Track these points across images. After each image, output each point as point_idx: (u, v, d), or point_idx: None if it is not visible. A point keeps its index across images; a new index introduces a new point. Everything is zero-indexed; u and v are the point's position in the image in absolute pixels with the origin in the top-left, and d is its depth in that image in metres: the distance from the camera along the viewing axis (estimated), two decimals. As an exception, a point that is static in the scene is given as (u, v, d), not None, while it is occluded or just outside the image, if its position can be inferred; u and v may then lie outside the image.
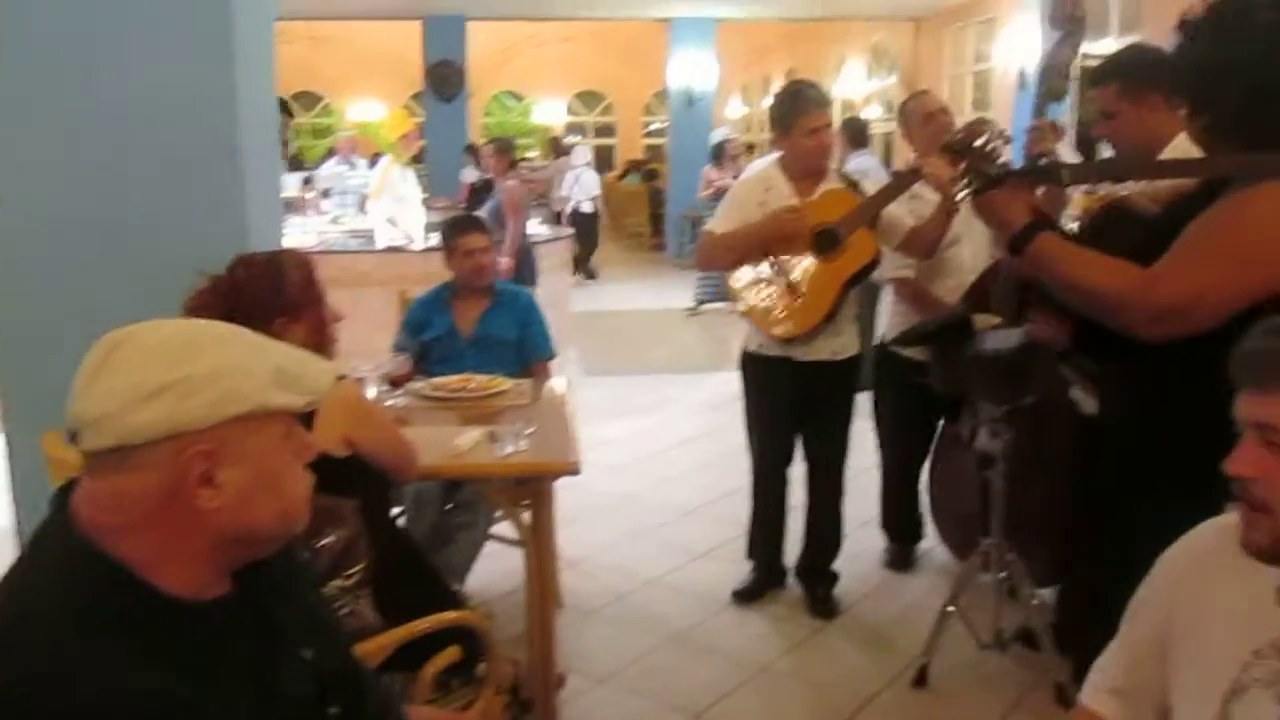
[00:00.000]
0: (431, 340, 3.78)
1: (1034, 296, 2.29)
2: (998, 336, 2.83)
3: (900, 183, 3.36)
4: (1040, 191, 3.01)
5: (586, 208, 12.63)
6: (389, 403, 3.17)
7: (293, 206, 7.72)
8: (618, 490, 4.88)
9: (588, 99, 21.37)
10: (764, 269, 3.43)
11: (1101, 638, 1.50)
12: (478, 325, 3.79)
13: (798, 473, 3.69)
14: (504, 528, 3.34)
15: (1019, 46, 10.88)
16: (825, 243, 3.31)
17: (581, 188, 12.60)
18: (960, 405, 3.35)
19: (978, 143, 2.15)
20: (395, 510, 3.16)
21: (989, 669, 3.11)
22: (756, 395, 3.62)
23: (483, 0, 12.40)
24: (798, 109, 3.39)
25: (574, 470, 2.73)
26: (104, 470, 1.08)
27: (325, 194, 9.04)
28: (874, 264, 3.41)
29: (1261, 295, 1.64)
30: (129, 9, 2.59)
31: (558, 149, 14.88)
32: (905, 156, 12.84)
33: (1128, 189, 2.52)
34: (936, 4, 12.51)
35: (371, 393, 3.02)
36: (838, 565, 3.71)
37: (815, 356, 3.43)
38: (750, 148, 15.89)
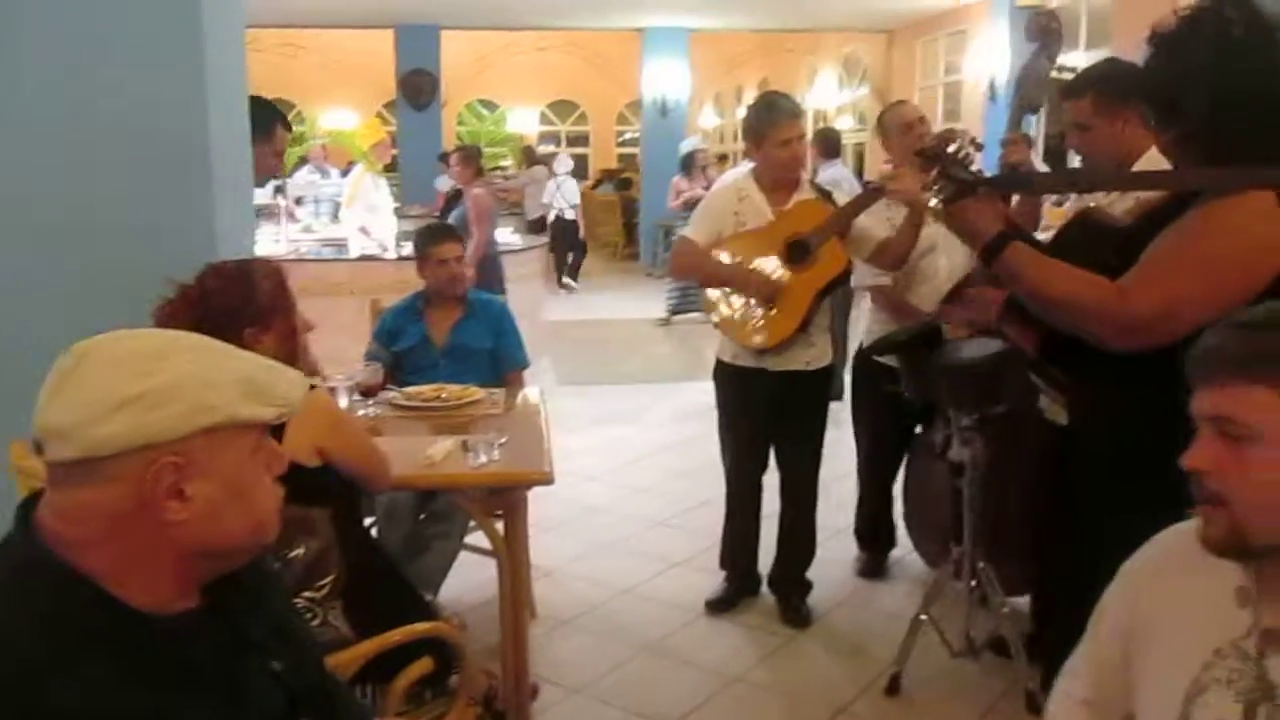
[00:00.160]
0: (405, 350, 3.76)
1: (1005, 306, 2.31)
2: (970, 345, 2.85)
3: (868, 197, 3.39)
4: (1015, 204, 3.05)
5: (569, 215, 12.72)
6: (361, 412, 3.15)
7: (265, 215, 7.67)
8: (592, 500, 4.87)
9: (561, 108, 21.38)
10: None
11: (1072, 647, 1.51)
12: (451, 335, 3.78)
13: (771, 482, 3.69)
14: (477, 538, 3.32)
15: (989, 58, 11.00)
16: (797, 254, 3.33)
17: (564, 196, 12.68)
18: (935, 413, 3.37)
19: (950, 149, 2.16)
20: (368, 521, 3.14)
21: (961, 677, 3.13)
22: (730, 405, 3.63)
23: (456, 9, 12.39)
24: (770, 120, 3.41)
25: (547, 480, 2.72)
26: (70, 482, 1.06)
27: (298, 202, 9.01)
28: (845, 274, 3.44)
29: (1231, 306, 1.65)
30: (97, 15, 2.57)
31: (531, 158, 14.90)
32: (877, 167, 12.95)
33: (1096, 200, 2.55)
34: (908, 16, 12.62)
35: (344, 402, 2.99)
36: (811, 574, 3.72)
37: (788, 366, 3.44)
38: (723, 158, 15.94)
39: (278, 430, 1.19)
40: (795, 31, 14.94)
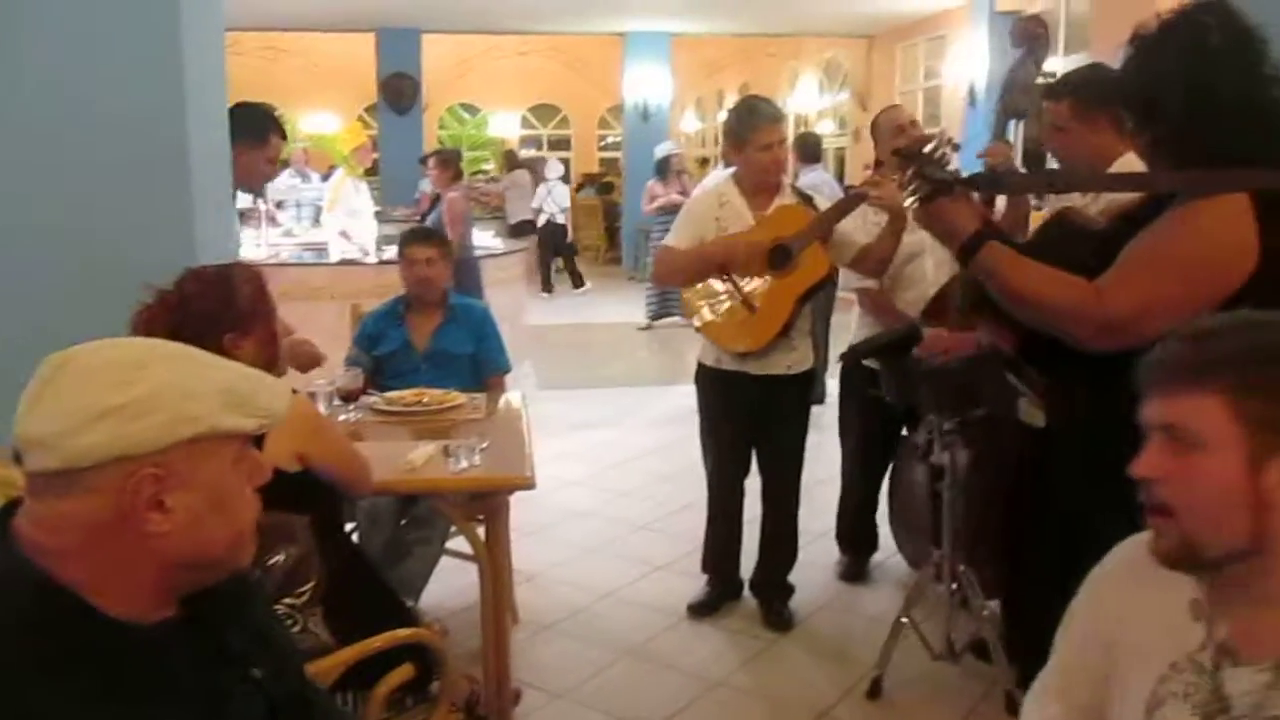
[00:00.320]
0: (386, 354, 3.75)
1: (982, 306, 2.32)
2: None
3: (850, 202, 3.41)
4: (1003, 212, 3.07)
5: (559, 219, 12.80)
6: (342, 417, 3.14)
7: (246, 219, 7.64)
8: (573, 504, 4.87)
9: (543, 112, 21.36)
10: (719, 284, 3.45)
11: (1040, 647, 1.51)
12: (432, 339, 3.77)
13: (753, 486, 3.70)
14: (459, 543, 3.32)
15: (969, 63, 11.06)
16: (779, 258, 3.34)
17: (554, 200, 12.75)
18: (918, 416, 3.38)
19: (926, 149, 2.17)
20: (349, 526, 3.13)
21: (941, 680, 3.14)
22: (712, 409, 3.64)
23: (437, 13, 12.37)
24: (751, 125, 3.42)
25: (529, 485, 2.72)
26: (50, 492, 1.05)
27: (279, 206, 8.96)
28: (827, 279, 3.45)
29: (1206, 307, 1.67)
30: (74, 18, 2.56)
31: (513, 162, 14.90)
32: (858, 171, 12.99)
33: (1073, 201, 2.57)
34: (888, 21, 12.67)
35: (324, 407, 2.99)
36: (793, 578, 3.73)
37: (770, 371, 3.45)
38: (705, 162, 15.98)
39: (259, 437, 1.18)
40: (776, 36, 14.97)
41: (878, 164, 3.66)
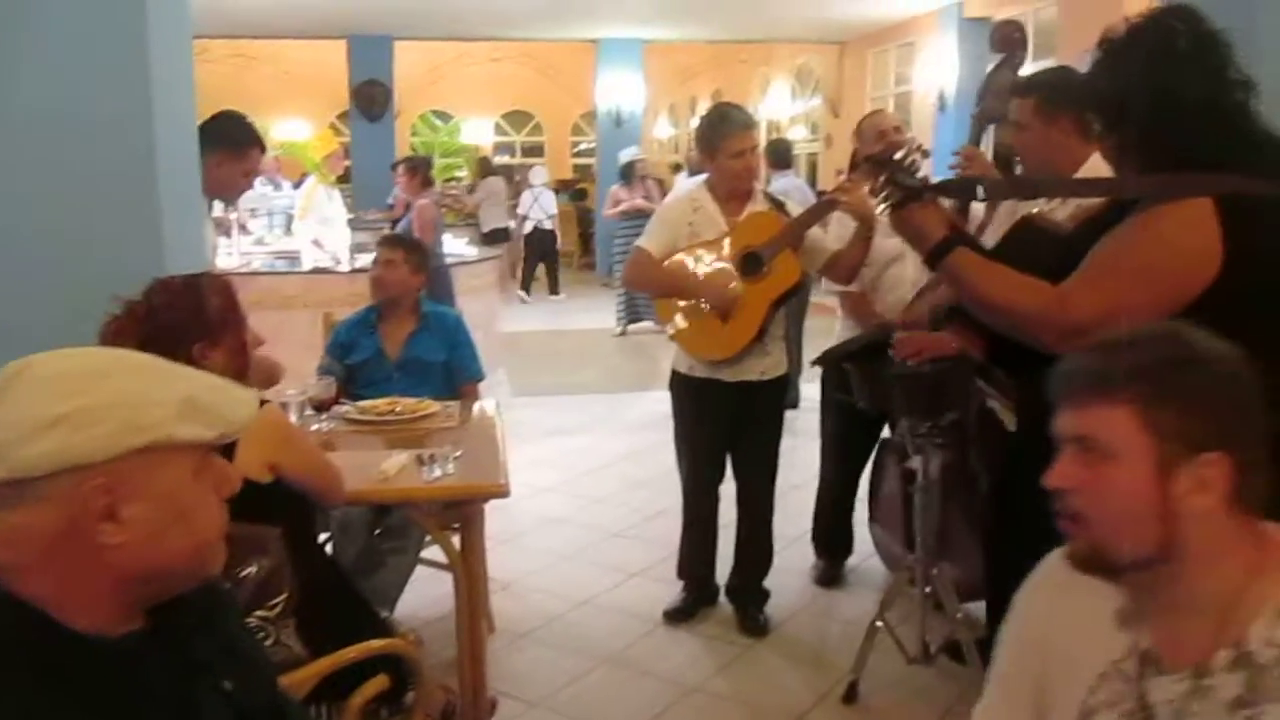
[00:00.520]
0: (358, 363, 3.73)
1: (952, 310, 2.34)
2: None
3: (821, 208, 3.43)
4: (982, 219, 3.09)
5: (547, 225, 12.85)
6: (314, 427, 3.12)
7: (217, 227, 7.58)
8: (549, 512, 4.86)
9: (516, 119, 21.35)
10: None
11: None
12: (405, 347, 3.76)
13: (728, 491, 3.71)
14: (434, 551, 3.30)
15: (939, 69, 11.15)
16: (751, 266, 3.35)
17: (541, 207, 12.79)
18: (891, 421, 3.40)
19: (896, 156, 2.19)
20: (322, 536, 3.11)
21: (917, 683, 3.15)
22: (686, 415, 3.64)
23: (409, 20, 12.34)
24: (723, 132, 3.43)
25: (503, 493, 2.72)
26: (3, 504, 1.04)
27: (251, 214, 8.91)
28: (799, 285, 3.47)
29: (1169, 311, 1.69)
30: (39, 23, 2.53)
31: (486, 169, 14.88)
32: (830, 176, 13.04)
33: (1039, 206, 2.59)
34: (859, 28, 12.75)
35: (295, 417, 2.97)
36: (768, 583, 3.74)
37: (744, 377, 3.46)
38: (677, 168, 16.00)
39: (229, 448, 1.17)
40: (748, 43, 15.04)
41: (852, 168, 3.68)
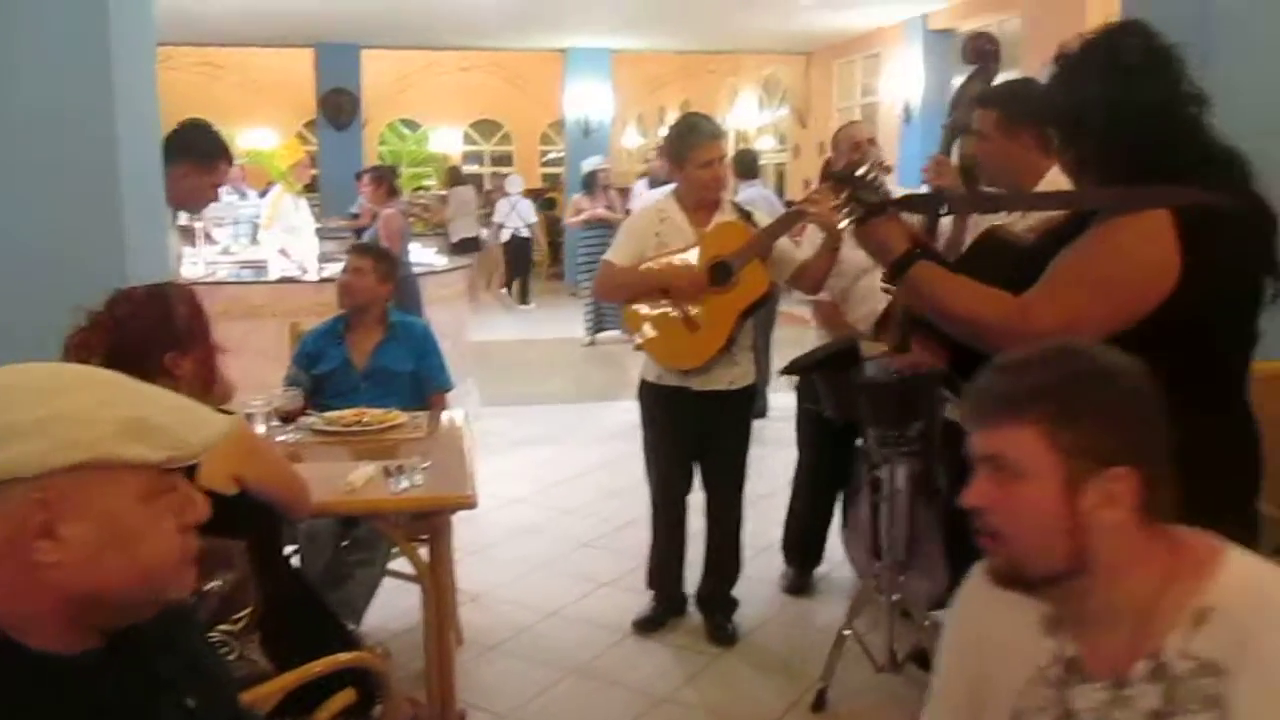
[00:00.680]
0: (325, 373, 3.71)
1: (915, 323, 2.35)
2: (880, 364, 2.90)
3: (789, 219, 3.45)
4: (950, 232, 3.11)
5: (524, 234, 12.92)
6: (280, 438, 3.10)
7: (182, 236, 7.52)
8: (518, 522, 4.85)
9: (485, 128, 21.32)
10: (661, 300, 3.46)
11: None
12: (372, 357, 3.74)
13: (697, 501, 3.71)
14: (402, 563, 3.28)
15: (904, 81, 11.26)
16: (719, 275, 3.36)
17: (519, 215, 12.85)
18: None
19: (859, 172, 2.21)
20: (289, 549, 3.09)
21: (885, 691, 3.17)
22: (654, 425, 3.64)
23: (377, 29, 12.31)
24: (691, 142, 3.45)
25: (470, 504, 2.71)
26: None
27: (217, 223, 8.83)
28: (767, 295, 3.49)
29: (1128, 321, 1.71)
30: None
31: (456, 178, 14.85)
32: (798, 186, 13.11)
33: (1000, 218, 2.62)
34: (825, 39, 12.84)
35: (261, 428, 2.95)
36: (737, 592, 3.74)
37: (712, 386, 3.47)
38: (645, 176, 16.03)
39: (191, 468, 1.15)
40: (716, 53, 15.11)
41: (824, 179, 3.72)
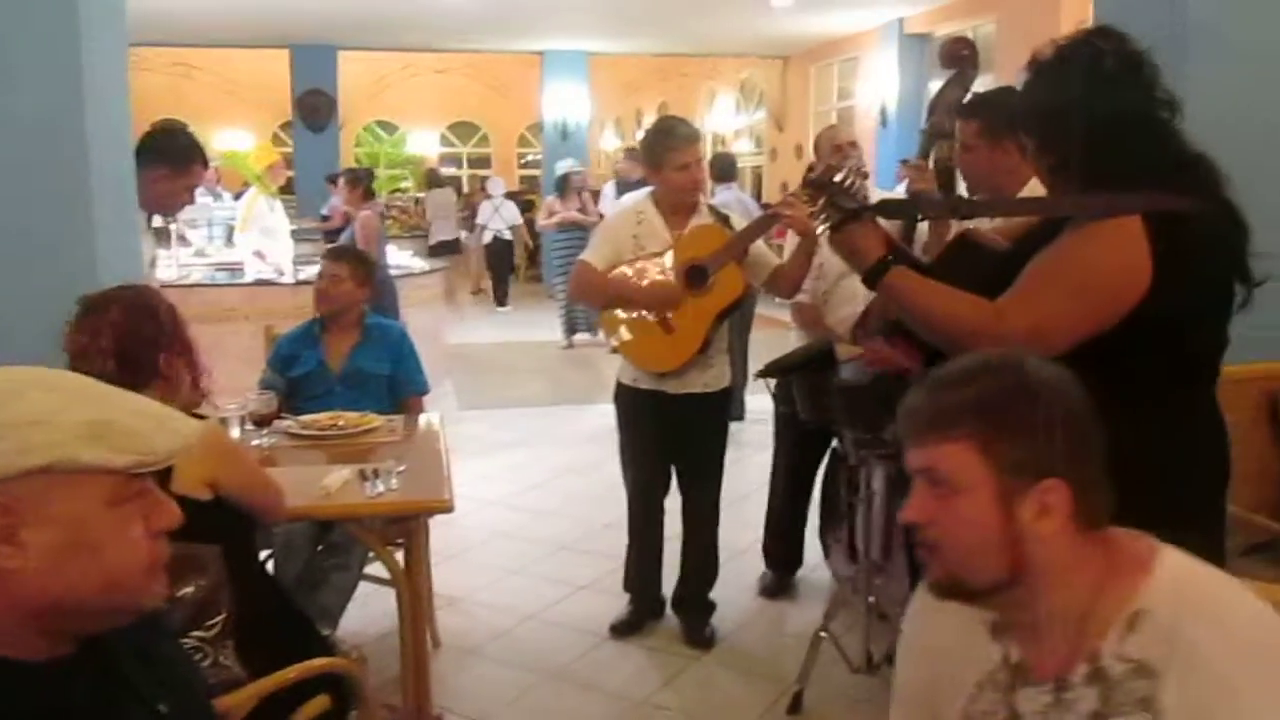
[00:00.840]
0: (300, 376, 3.69)
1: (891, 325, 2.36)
2: (856, 366, 2.91)
3: (765, 222, 3.45)
4: (928, 236, 3.12)
5: (506, 236, 12.96)
6: (255, 442, 3.08)
7: (156, 238, 7.46)
8: (495, 526, 4.83)
9: (462, 130, 21.28)
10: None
11: None
12: (348, 360, 3.72)
13: (673, 504, 3.72)
14: (378, 567, 3.27)
15: (880, 84, 11.31)
16: (695, 278, 3.37)
17: (502, 217, 12.87)
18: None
19: (837, 178, 2.22)
20: (264, 554, 3.07)
21: (861, 692, 3.18)
22: (630, 427, 3.64)
23: (353, 31, 12.25)
24: (668, 145, 3.45)
25: (447, 508, 2.70)
26: None
27: (191, 225, 8.77)
28: (743, 298, 3.49)
29: (1101, 326, 1.73)
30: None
31: (434, 180, 14.81)
32: (775, 189, 13.14)
33: (978, 223, 2.63)
34: (802, 42, 12.89)
35: (235, 432, 2.93)
36: (714, 595, 3.75)
37: (688, 389, 3.47)
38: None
39: (164, 474, 1.14)
40: (693, 56, 15.14)
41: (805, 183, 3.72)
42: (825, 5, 10.45)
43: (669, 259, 3.43)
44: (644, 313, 3.44)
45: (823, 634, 3.13)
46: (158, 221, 5.50)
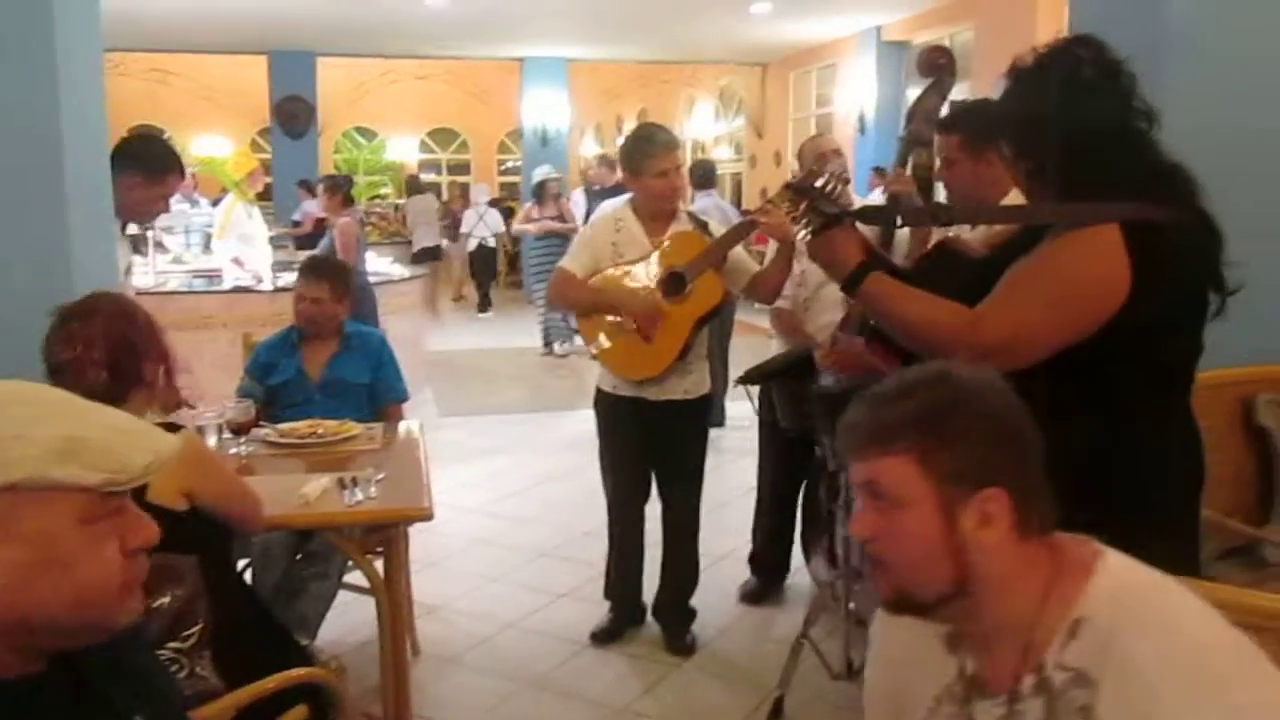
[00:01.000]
0: (279, 384, 3.66)
1: (870, 331, 2.37)
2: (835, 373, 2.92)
3: (742, 229, 3.46)
4: (908, 244, 3.14)
5: (490, 243, 12.97)
6: (232, 451, 3.06)
7: (133, 245, 7.42)
8: (475, 533, 4.82)
9: (442, 136, 21.25)
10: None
11: None
12: (327, 368, 3.70)
13: (654, 511, 3.71)
14: (357, 576, 3.25)
15: (858, 91, 11.36)
16: (674, 285, 3.37)
17: (487, 224, 12.87)
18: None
19: (819, 183, 2.22)
20: (242, 563, 3.04)
21: (841, 699, 3.18)
22: (610, 434, 3.64)
23: (331, 37, 12.23)
24: (647, 152, 3.45)
25: (426, 516, 2.69)
26: None
27: (168, 231, 8.72)
28: (722, 305, 3.50)
29: (1079, 334, 1.74)
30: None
31: (414, 187, 14.79)
32: (754, 196, 13.17)
33: (957, 230, 2.65)
34: (780, 50, 12.94)
35: (212, 441, 2.90)
36: (695, 601, 3.74)
37: (667, 396, 3.48)
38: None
39: (140, 490, 1.12)
40: (672, 63, 15.18)
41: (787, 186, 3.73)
42: (804, 12, 10.50)
43: (648, 266, 3.43)
44: (623, 320, 3.44)
45: (803, 640, 3.13)
46: (133, 228, 5.48)
